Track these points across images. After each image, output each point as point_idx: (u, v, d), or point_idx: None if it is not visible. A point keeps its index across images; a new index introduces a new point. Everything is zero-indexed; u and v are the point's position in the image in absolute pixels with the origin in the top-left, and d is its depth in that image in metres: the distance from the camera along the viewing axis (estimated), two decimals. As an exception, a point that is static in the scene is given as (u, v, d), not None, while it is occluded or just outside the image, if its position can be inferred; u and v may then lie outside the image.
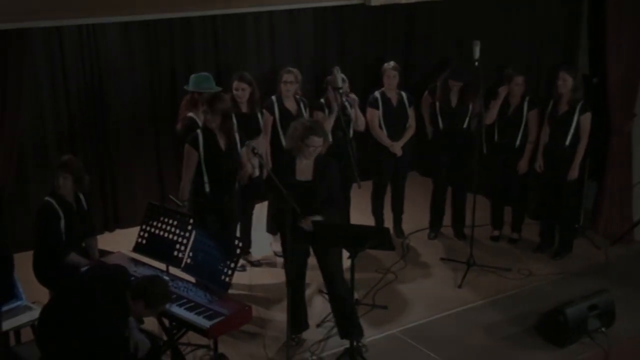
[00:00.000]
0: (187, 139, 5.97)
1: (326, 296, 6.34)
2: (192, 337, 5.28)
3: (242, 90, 6.58)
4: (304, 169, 5.48)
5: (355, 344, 5.51)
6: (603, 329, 5.79)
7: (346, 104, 6.91)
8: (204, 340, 5.28)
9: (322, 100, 6.91)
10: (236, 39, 7.90)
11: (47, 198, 5.36)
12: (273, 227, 7.12)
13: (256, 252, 7.03)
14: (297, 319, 5.66)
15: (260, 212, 7.20)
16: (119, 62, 7.36)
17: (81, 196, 5.54)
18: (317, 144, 5.39)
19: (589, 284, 6.35)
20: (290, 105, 6.83)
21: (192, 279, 5.38)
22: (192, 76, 6.68)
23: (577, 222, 7.33)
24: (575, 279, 6.69)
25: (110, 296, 4.48)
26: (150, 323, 5.32)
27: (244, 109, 6.61)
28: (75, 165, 5.43)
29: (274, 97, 6.81)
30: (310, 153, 5.41)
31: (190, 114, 6.46)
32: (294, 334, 5.68)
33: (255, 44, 8.03)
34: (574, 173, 6.83)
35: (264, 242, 7.19)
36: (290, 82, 6.76)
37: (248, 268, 6.84)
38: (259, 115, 6.72)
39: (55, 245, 5.32)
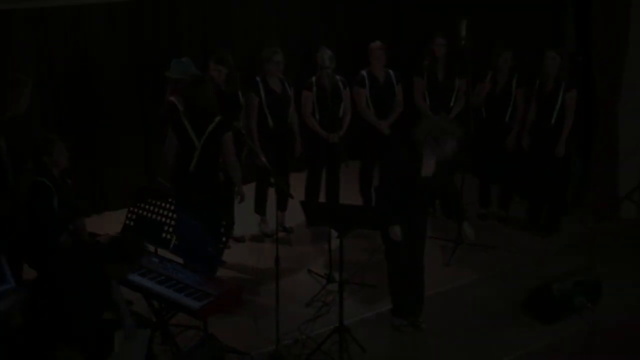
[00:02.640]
0: (226, 132, 5.87)
1: (315, 276, 6.39)
2: (181, 318, 5.29)
3: (217, 72, 6.54)
4: (429, 165, 5.36)
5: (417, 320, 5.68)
6: (589, 306, 5.82)
7: (339, 83, 6.91)
8: (194, 322, 5.29)
9: (312, 78, 6.90)
10: (222, 18, 7.85)
11: (39, 178, 5.29)
12: (261, 207, 7.13)
13: (240, 230, 7.02)
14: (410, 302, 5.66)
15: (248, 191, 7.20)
16: (104, 43, 7.30)
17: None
18: (453, 147, 5.20)
19: (575, 261, 6.39)
20: (275, 85, 6.80)
21: (181, 260, 5.38)
22: (172, 61, 6.72)
23: (564, 199, 7.36)
24: (562, 256, 6.73)
25: (86, 274, 4.48)
26: (141, 305, 5.33)
27: (223, 86, 6.60)
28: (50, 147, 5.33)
29: (258, 78, 6.78)
30: (445, 154, 5.23)
31: (172, 98, 6.45)
32: (406, 318, 5.68)
33: (242, 24, 7.98)
34: (560, 150, 6.86)
35: (250, 221, 7.18)
36: (280, 61, 6.73)
37: (238, 247, 6.85)
38: (239, 93, 6.69)
39: (49, 225, 5.27)
